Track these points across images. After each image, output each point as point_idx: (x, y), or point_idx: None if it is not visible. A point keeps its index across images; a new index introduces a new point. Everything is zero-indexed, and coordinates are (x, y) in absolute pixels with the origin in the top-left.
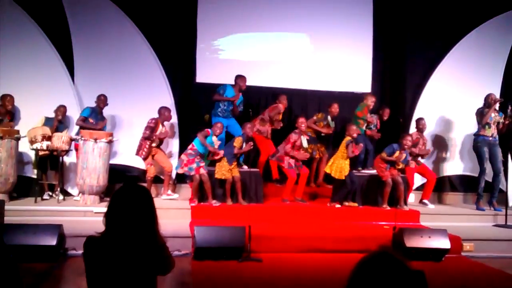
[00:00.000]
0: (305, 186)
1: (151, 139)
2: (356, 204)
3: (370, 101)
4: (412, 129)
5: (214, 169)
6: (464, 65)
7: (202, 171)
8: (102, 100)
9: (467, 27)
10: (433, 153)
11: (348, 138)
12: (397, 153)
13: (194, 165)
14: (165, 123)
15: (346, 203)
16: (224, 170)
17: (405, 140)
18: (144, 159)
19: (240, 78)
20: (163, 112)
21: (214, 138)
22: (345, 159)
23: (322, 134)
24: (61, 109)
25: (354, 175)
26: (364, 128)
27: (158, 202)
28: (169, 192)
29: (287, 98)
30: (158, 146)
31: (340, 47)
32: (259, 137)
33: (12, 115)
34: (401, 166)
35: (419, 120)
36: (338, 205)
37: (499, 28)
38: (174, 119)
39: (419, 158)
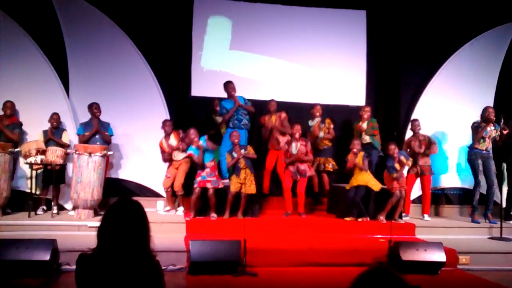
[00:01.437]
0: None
1: (169, 160)
2: (367, 218)
3: (364, 112)
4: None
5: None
6: (458, 79)
7: (209, 185)
8: (95, 108)
9: (460, 41)
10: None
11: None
12: (396, 166)
13: (199, 178)
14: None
15: (359, 219)
16: (235, 182)
17: (389, 151)
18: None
19: (226, 85)
20: (163, 126)
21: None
22: (361, 172)
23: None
24: (54, 117)
25: (359, 188)
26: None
27: (153, 216)
28: (180, 208)
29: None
30: (187, 156)
31: (335, 63)
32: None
33: (19, 126)
34: (410, 164)
35: (412, 122)
36: (347, 218)
37: (492, 42)
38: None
39: (426, 162)
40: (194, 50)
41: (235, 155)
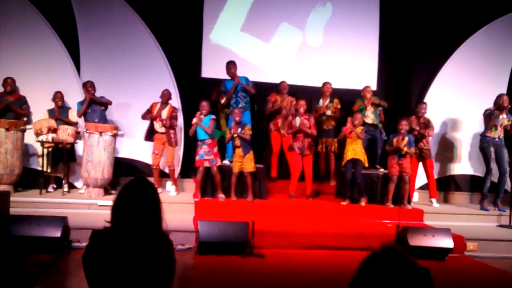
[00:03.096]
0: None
1: (146, 119)
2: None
3: (366, 92)
4: None
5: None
6: (471, 65)
7: (207, 164)
8: (90, 86)
9: (474, 27)
10: (439, 153)
11: None
12: (394, 141)
13: (197, 157)
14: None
15: (362, 203)
16: (235, 162)
17: (400, 125)
18: (145, 139)
19: (228, 64)
20: (161, 94)
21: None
22: (352, 144)
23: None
24: (58, 95)
25: (356, 170)
26: (371, 115)
27: (162, 196)
28: (172, 188)
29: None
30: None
31: (347, 46)
32: (275, 134)
33: (25, 101)
34: (405, 150)
35: (419, 104)
36: (343, 203)
37: (506, 28)
38: (180, 114)
39: (426, 143)
40: (206, 23)
41: (239, 130)
